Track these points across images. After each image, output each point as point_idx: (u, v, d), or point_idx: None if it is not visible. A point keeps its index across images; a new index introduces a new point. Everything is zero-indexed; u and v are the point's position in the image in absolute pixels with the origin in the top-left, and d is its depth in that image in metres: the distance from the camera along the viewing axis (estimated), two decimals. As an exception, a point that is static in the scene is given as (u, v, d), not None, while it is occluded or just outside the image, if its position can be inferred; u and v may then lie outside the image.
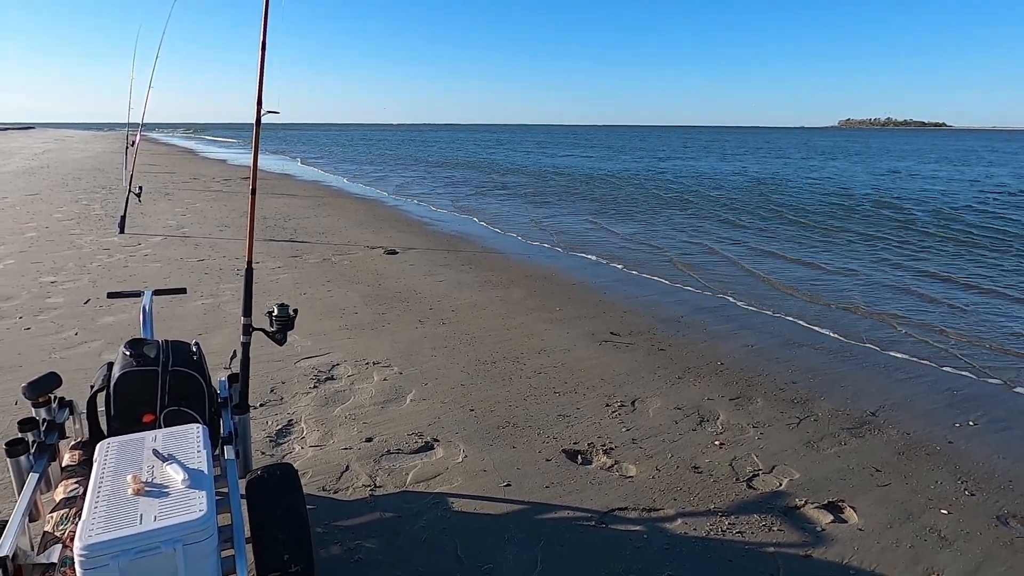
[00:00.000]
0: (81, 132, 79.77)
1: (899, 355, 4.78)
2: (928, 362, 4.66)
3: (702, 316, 5.67)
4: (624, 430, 3.41)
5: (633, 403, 3.76)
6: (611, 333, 5.06)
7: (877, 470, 3.08)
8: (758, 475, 3.00)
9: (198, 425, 1.85)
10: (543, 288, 6.53)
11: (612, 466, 3.04)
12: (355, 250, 8.12)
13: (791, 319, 5.65)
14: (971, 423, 3.67)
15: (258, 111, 2.21)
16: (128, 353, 2.03)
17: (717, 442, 3.31)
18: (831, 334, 5.25)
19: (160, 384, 2.02)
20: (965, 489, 2.95)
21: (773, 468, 3.07)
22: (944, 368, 4.55)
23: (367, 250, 8.15)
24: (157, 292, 2.63)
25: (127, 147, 10.44)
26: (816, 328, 5.40)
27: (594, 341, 4.86)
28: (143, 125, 9.52)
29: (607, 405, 3.71)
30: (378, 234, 9.43)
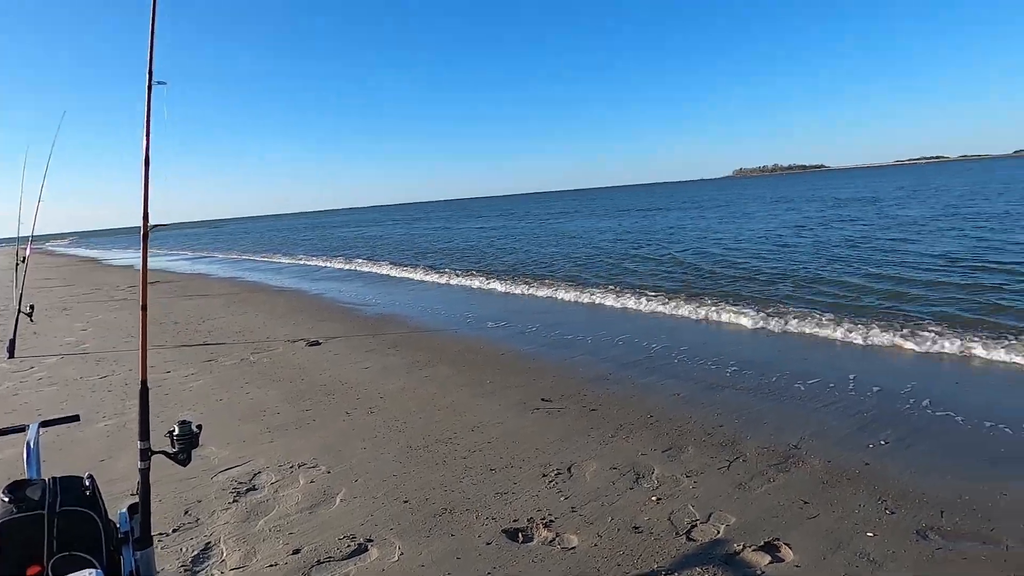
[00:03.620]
0: (-36, 251, 73.95)
1: (810, 382, 5.05)
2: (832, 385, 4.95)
3: (628, 371, 5.81)
4: (563, 499, 3.37)
5: (569, 469, 3.74)
6: (542, 399, 5.08)
7: (805, 502, 3.19)
8: (696, 525, 3.03)
9: (92, 570, 1.67)
10: (471, 361, 6.51)
11: (553, 539, 2.98)
12: (275, 345, 7.82)
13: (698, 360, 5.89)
14: (882, 442, 3.90)
15: (145, 226, 2.16)
16: (7, 499, 1.84)
17: (654, 497, 3.33)
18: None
19: (47, 529, 1.83)
20: (885, 508, 3.10)
21: (710, 516, 3.11)
22: (849, 391, 4.84)
23: (288, 344, 7.87)
24: (44, 424, 2.41)
25: (16, 264, 9.76)
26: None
27: (526, 410, 4.85)
28: (34, 237, 8.98)
29: (544, 475, 3.67)
30: (299, 326, 9.16)
